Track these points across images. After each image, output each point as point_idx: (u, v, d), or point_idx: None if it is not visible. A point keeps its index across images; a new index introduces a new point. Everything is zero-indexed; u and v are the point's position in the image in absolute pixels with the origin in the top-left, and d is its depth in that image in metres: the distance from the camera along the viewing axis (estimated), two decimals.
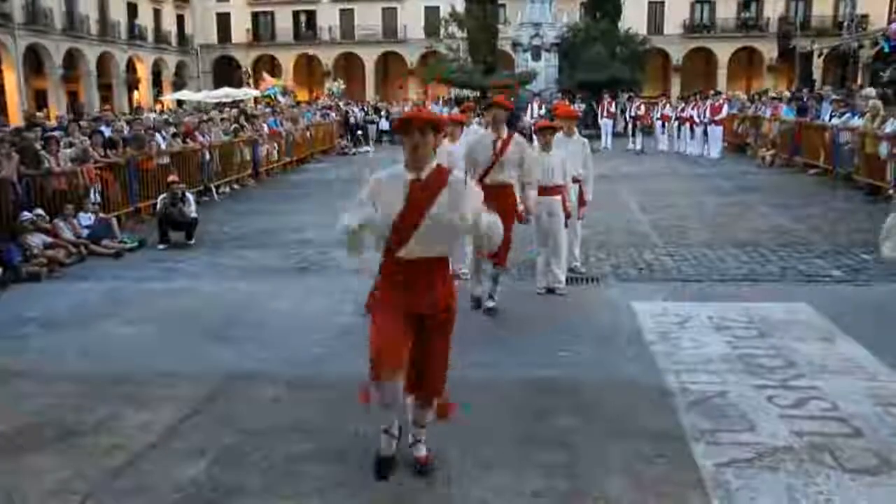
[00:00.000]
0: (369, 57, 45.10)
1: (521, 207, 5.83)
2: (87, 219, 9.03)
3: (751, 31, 42.43)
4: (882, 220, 4.73)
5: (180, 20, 44.45)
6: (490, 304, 5.86)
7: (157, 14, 41.80)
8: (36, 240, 7.95)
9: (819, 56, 31.38)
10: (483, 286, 5.92)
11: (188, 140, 13.11)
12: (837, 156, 13.22)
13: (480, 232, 3.25)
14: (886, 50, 20.75)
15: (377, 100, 30.93)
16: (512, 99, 19.10)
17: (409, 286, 3.19)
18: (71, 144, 10.17)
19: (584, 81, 25.22)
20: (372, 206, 3.14)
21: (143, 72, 40.50)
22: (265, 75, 32.08)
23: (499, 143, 5.62)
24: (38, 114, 17.79)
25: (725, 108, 18.90)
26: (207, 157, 13.35)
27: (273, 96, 27.52)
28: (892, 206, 3.00)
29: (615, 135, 21.58)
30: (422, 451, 3.44)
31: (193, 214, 9.36)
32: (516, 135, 5.86)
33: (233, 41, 45.81)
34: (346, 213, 3.15)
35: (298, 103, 26.98)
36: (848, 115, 13.34)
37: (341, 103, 26.72)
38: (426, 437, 3.47)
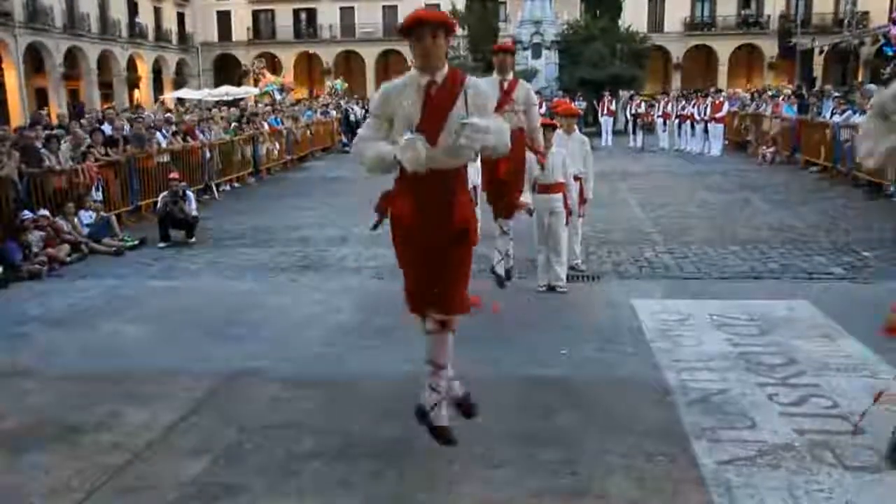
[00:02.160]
0: (370, 55, 45.07)
1: (529, 201, 5.85)
2: (87, 217, 9.03)
3: (751, 28, 42.39)
4: (883, 218, 4.73)
5: (181, 18, 44.43)
6: (500, 269, 5.82)
7: (157, 12, 41.78)
8: (36, 238, 7.95)
9: (820, 53, 31.37)
10: (498, 249, 5.88)
11: (189, 138, 13.11)
12: (838, 153, 13.21)
13: (491, 139, 2.98)
14: (890, 53, 20.70)
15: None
16: None
17: (432, 201, 3.02)
18: (77, 146, 10.15)
19: (584, 79, 25.19)
20: (386, 122, 2.98)
21: (144, 70, 40.49)
22: (265, 72, 32.08)
23: (505, 84, 5.61)
24: (41, 112, 17.80)
25: (726, 106, 18.89)
26: (208, 155, 13.35)
27: (271, 93, 27.54)
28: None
29: (615, 132, 21.57)
30: (458, 391, 3.37)
31: (194, 213, 9.36)
32: (521, 80, 5.84)
33: (233, 39, 45.80)
34: (365, 142, 3.01)
35: (298, 101, 26.96)
36: (849, 112, 13.32)
37: (342, 101, 26.69)
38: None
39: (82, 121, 13.18)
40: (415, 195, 3.04)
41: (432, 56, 2.94)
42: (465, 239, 3.14)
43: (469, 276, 3.27)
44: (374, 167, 3.00)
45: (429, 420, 3.31)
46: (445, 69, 3.00)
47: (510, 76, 5.68)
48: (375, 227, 3.16)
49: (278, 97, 26.97)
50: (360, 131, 3.13)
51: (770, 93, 19.95)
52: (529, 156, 5.78)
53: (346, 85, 33.24)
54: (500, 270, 5.83)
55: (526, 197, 5.86)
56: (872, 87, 15.14)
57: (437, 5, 39.10)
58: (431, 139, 2.92)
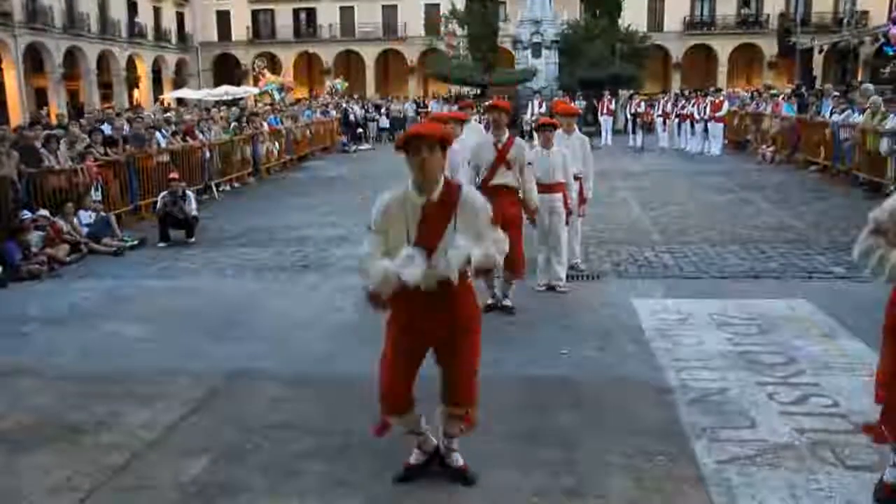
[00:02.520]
0: (369, 55, 45.07)
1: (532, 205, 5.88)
2: (87, 217, 9.03)
3: (751, 27, 42.39)
4: None
5: (180, 18, 44.41)
6: (508, 301, 5.87)
7: (157, 12, 41.76)
8: (36, 238, 7.95)
9: (819, 52, 31.34)
10: (496, 287, 5.91)
11: (188, 138, 13.11)
12: (838, 152, 13.21)
13: (481, 255, 2.99)
14: (890, 53, 20.71)
15: (377, 97, 30.95)
16: (507, 97, 19.12)
17: (429, 313, 3.04)
18: (72, 144, 10.15)
19: (584, 78, 25.21)
20: (386, 235, 3.01)
21: (144, 70, 40.48)
22: (265, 72, 32.10)
23: (500, 145, 5.64)
24: (41, 112, 17.79)
25: (726, 105, 18.89)
26: (208, 155, 13.35)
27: (270, 93, 27.56)
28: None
29: (615, 132, 21.56)
30: (459, 461, 3.33)
31: (194, 212, 9.35)
32: (517, 138, 5.89)
33: (233, 39, 45.78)
34: (371, 260, 3.02)
35: (298, 101, 26.97)
36: (848, 111, 13.32)
37: (342, 101, 26.71)
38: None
39: (82, 120, 13.18)
40: (413, 305, 3.05)
41: (428, 171, 2.93)
42: (465, 339, 3.13)
43: (477, 369, 3.21)
44: (379, 286, 3.03)
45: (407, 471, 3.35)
46: (441, 185, 3.00)
47: (505, 136, 5.67)
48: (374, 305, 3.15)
49: (277, 97, 26.98)
50: (363, 248, 3.11)
51: (772, 91, 19.93)
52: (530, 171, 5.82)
53: (347, 84, 33.26)
54: (509, 302, 5.87)
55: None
56: (870, 86, 15.17)
57: (437, 5, 39.27)
58: (427, 257, 2.95)
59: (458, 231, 2.98)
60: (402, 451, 3.45)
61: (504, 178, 5.64)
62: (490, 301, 5.91)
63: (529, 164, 5.77)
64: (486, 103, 6.09)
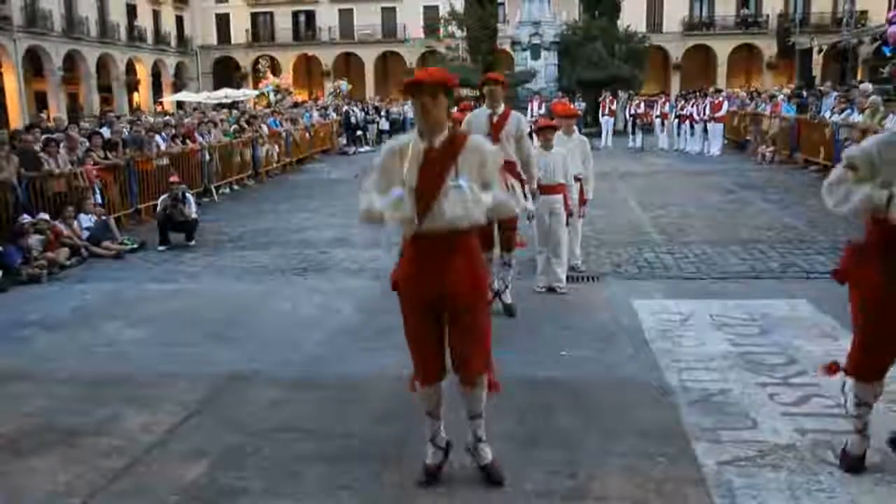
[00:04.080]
0: (369, 57, 45.10)
1: (527, 206, 5.80)
2: (87, 220, 9.03)
3: (750, 28, 42.42)
4: None
5: (179, 21, 44.47)
6: (507, 298, 5.78)
7: (156, 15, 41.82)
8: (36, 242, 7.95)
9: (818, 53, 31.35)
10: (494, 281, 5.78)
11: (188, 141, 13.11)
12: (837, 152, 13.20)
13: (491, 205, 2.95)
14: (888, 54, 20.71)
15: (377, 100, 30.98)
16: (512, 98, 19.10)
17: (431, 266, 2.99)
18: (72, 149, 10.15)
19: (583, 80, 25.21)
20: (387, 178, 2.97)
21: (143, 73, 40.54)
22: (268, 73, 32.20)
23: (495, 118, 5.53)
24: (41, 115, 17.80)
25: (725, 106, 18.89)
26: (207, 157, 13.35)
27: (266, 94, 27.62)
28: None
29: (615, 133, 21.57)
30: (488, 455, 3.27)
31: (194, 215, 9.35)
32: (513, 111, 5.75)
33: (232, 42, 45.83)
34: (364, 194, 3.01)
35: (297, 104, 26.99)
36: (848, 111, 13.33)
37: (344, 104, 26.73)
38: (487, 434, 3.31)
39: (84, 124, 13.18)
40: (416, 259, 3.04)
41: (431, 117, 2.93)
42: (470, 303, 3.08)
43: (489, 338, 3.18)
44: (364, 219, 3.04)
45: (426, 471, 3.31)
46: (445, 132, 2.99)
47: (501, 108, 5.57)
48: (394, 287, 3.17)
49: (273, 98, 27.04)
50: (363, 183, 3.12)
51: (774, 91, 19.93)
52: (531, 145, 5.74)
53: (351, 86, 33.31)
54: (509, 300, 5.80)
55: (528, 204, 5.82)
56: (868, 86, 15.17)
57: (436, 7, 39.30)
58: (427, 205, 2.92)
59: (459, 176, 2.92)
60: (401, 452, 3.45)
61: (501, 151, 5.54)
62: (494, 288, 5.81)
63: (529, 135, 5.67)
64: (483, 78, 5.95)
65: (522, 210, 3.15)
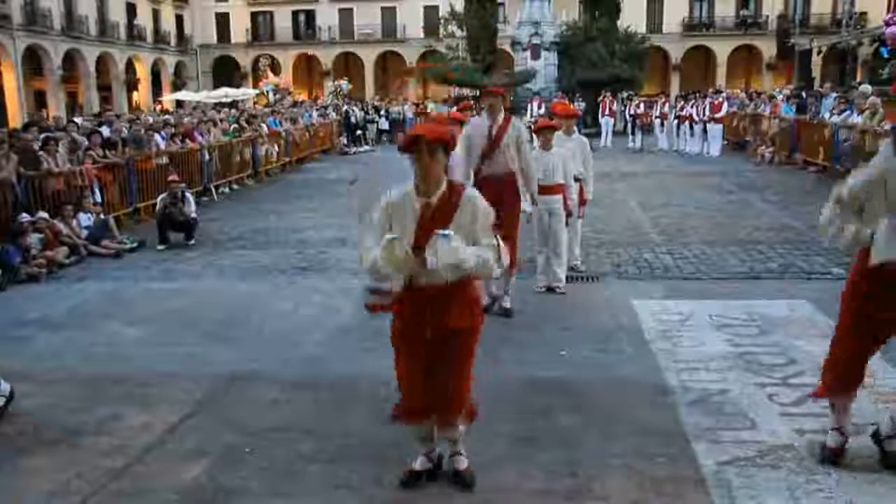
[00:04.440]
0: (368, 57, 45.10)
1: (528, 209, 5.81)
2: (86, 219, 9.02)
3: (749, 29, 42.42)
4: None
5: (179, 20, 44.44)
6: (507, 303, 5.81)
7: (155, 14, 41.79)
8: (35, 241, 7.94)
9: (818, 54, 31.37)
10: (493, 286, 5.82)
11: (187, 140, 13.11)
12: (837, 153, 13.21)
13: (472, 265, 2.96)
14: (885, 55, 20.73)
15: (377, 99, 30.97)
16: (511, 97, 19.12)
17: (428, 309, 3.02)
18: (73, 150, 10.14)
19: (583, 80, 25.21)
20: (386, 230, 2.99)
21: (143, 72, 40.50)
22: (269, 72, 32.18)
23: (495, 129, 5.53)
24: (41, 113, 17.77)
25: (725, 106, 18.91)
26: (207, 157, 13.35)
27: (265, 93, 27.62)
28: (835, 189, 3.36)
29: (615, 133, 21.58)
30: (463, 464, 3.31)
31: (193, 214, 9.35)
32: (513, 118, 5.75)
33: (232, 41, 45.81)
34: (366, 251, 3.01)
35: (295, 103, 26.99)
36: (847, 112, 13.33)
37: (343, 103, 26.73)
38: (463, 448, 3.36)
39: (84, 122, 13.17)
40: (415, 307, 3.05)
41: (430, 173, 2.94)
42: (462, 336, 3.10)
43: (470, 378, 3.19)
44: (372, 273, 3.06)
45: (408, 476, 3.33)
46: (443, 187, 2.99)
47: (501, 117, 5.56)
48: (374, 310, 3.25)
49: (271, 98, 27.04)
50: (363, 239, 3.13)
51: (775, 91, 19.95)
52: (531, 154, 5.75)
53: (352, 86, 33.31)
54: (508, 304, 5.81)
55: (525, 205, 5.83)
56: (867, 87, 15.18)
57: (436, 7, 39.29)
58: (425, 262, 2.93)
59: (455, 231, 2.94)
60: (401, 453, 3.45)
61: (498, 162, 5.53)
62: (485, 301, 5.83)
63: (529, 142, 5.67)
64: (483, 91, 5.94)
65: (501, 271, 3.14)
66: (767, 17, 41.94)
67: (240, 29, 45.66)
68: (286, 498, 3.26)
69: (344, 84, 31.81)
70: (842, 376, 3.37)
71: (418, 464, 3.34)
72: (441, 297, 3.02)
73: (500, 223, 5.41)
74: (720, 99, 19.45)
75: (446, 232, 2.89)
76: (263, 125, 16.86)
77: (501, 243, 3.08)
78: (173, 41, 43.37)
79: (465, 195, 3.03)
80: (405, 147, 2.94)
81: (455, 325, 3.07)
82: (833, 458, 3.35)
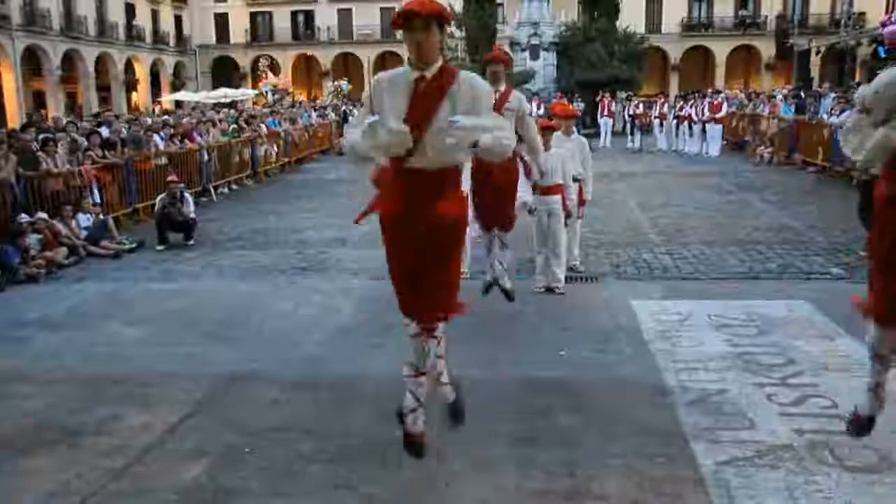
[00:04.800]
0: (367, 57, 45.09)
1: (528, 200, 5.78)
2: (85, 220, 9.02)
3: (748, 29, 42.46)
4: None
5: (178, 21, 44.43)
6: (507, 283, 5.62)
7: (154, 15, 41.78)
8: (34, 241, 7.94)
9: (817, 54, 31.41)
10: (494, 265, 5.67)
11: (186, 140, 13.11)
12: (836, 153, 13.22)
13: (486, 145, 2.81)
14: (882, 55, 20.77)
15: None
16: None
17: (414, 198, 2.90)
18: (73, 151, 10.14)
19: (582, 80, 25.22)
20: (376, 113, 2.90)
21: (142, 72, 40.49)
22: (268, 72, 32.16)
23: (496, 96, 5.44)
24: (40, 113, 17.75)
25: (725, 107, 18.92)
26: (206, 157, 13.35)
27: (264, 94, 27.61)
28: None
29: (614, 134, 21.59)
30: (451, 395, 3.28)
31: (192, 215, 9.35)
32: (514, 90, 5.67)
33: (231, 41, 45.80)
34: (351, 129, 2.97)
35: (296, 102, 27.00)
36: (847, 111, 13.34)
37: (342, 104, 26.73)
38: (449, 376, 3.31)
39: (82, 122, 13.17)
40: (404, 193, 2.96)
41: (424, 49, 2.84)
42: (449, 232, 3.00)
43: (457, 281, 3.14)
44: (350, 154, 3.00)
45: (403, 425, 3.28)
46: (438, 64, 2.89)
47: (502, 87, 5.48)
48: (358, 220, 3.17)
49: (270, 98, 27.03)
50: (350, 119, 3.10)
51: (777, 91, 19.96)
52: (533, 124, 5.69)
53: (352, 86, 33.30)
54: (508, 285, 5.66)
55: (527, 196, 5.81)
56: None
57: None
58: (417, 135, 2.85)
59: (450, 109, 2.83)
60: (401, 452, 3.45)
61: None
62: (487, 279, 5.78)
63: (531, 115, 5.63)
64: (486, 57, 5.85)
65: (508, 148, 2.96)
66: (766, 17, 41.99)
67: (239, 29, 45.65)
68: (286, 498, 3.26)
69: (344, 84, 31.80)
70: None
71: (407, 404, 3.23)
72: (433, 182, 2.91)
73: (500, 190, 5.40)
74: (719, 99, 19.47)
75: (455, 118, 2.76)
76: (262, 125, 16.86)
77: (506, 123, 3.01)
78: (172, 41, 43.36)
79: (461, 74, 2.91)
80: (397, 23, 2.85)
81: (447, 213, 2.94)
82: (864, 427, 3.14)
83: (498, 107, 5.41)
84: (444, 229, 2.98)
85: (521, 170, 5.56)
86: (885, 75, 2.94)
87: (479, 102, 2.89)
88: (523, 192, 5.72)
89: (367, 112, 2.99)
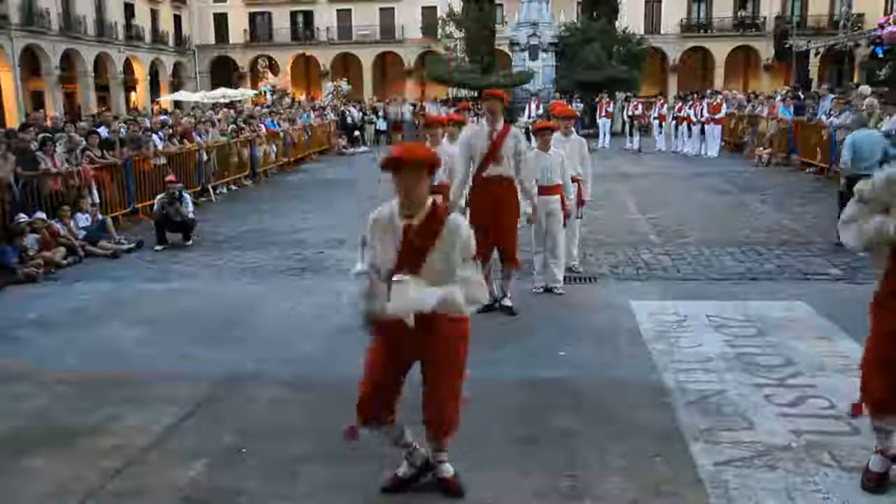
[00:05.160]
0: (367, 57, 45.09)
1: (528, 210, 5.83)
2: (84, 219, 9.01)
3: (747, 30, 42.51)
4: None
5: (177, 20, 44.40)
6: (507, 301, 5.84)
7: (154, 14, 41.75)
8: (32, 241, 7.93)
9: (815, 55, 31.44)
10: (493, 285, 5.84)
11: (185, 140, 13.10)
12: (835, 154, 13.23)
13: (435, 305, 2.85)
14: (879, 54, 20.81)
15: (375, 100, 30.98)
16: (510, 98, 19.12)
17: (409, 328, 2.92)
18: (71, 150, 10.13)
19: (581, 81, 25.24)
20: (376, 248, 2.98)
21: (141, 72, 40.45)
22: (268, 73, 32.18)
23: (495, 135, 5.57)
24: (37, 114, 17.73)
25: (724, 108, 18.94)
26: (205, 157, 13.34)
27: (263, 94, 27.64)
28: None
29: (613, 134, 21.61)
30: (448, 471, 3.24)
31: (191, 215, 9.34)
32: (513, 127, 5.82)
33: (230, 42, 45.77)
34: (358, 262, 3.03)
35: (293, 103, 26.99)
36: (846, 112, 13.35)
37: (341, 104, 26.72)
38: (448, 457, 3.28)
39: (82, 124, 13.16)
40: (397, 325, 2.97)
41: (412, 195, 2.88)
42: (448, 351, 3.05)
43: (459, 393, 3.12)
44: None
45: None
46: (426, 208, 2.92)
47: (500, 124, 5.59)
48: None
49: (269, 98, 27.06)
50: (361, 255, 3.12)
51: (778, 92, 20.00)
52: (529, 161, 5.77)
53: (351, 86, 33.32)
54: (509, 303, 5.86)
55: (526, 207, 5.85)
56: (866, 88, 15.21)
57: (434, 7, 39.32)
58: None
59: (437, 254, 2.88)
60: (399, 454, 3.44)
61: (498, 168, 5.57)
62: (487, 301, 5.86)
63: (527, 154, 5.71)
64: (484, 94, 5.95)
65: (471, 307, 2.99)
66: (765, 18, 42.03)
67: (238, 29, 45.62)
68: (284, 499, 3.26)
69: (344, 84, 31.82)
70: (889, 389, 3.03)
71: (401, 470, 3.30)
72: (423, 325, 2.92)
73: (499, 226, 5.50)
74: (718, 100, 19.48)
75: (402, 278, 2.82)
76: (262, 126, 16.85)
77: (480, 276, 3.00)
78: (171, 41, 43.32)
79: (449, 221, 2.94)
80: (385, 167, 2.89)
81: (438, 343, 3.00)
82: (876, 484, 3.13)
83: (497, 144, 5.50)
84: (439, 351, 3.03)
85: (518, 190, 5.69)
86: (883, 174, 3.04)
87: (454, 249, 2.90)
88: (524, 204, 5.79)
89: (372, 251, 3.03)
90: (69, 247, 8.35)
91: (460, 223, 2.98)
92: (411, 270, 2.87)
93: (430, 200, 2.95)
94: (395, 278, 2.84)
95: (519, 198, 5.73)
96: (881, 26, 18.79)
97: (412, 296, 2.80)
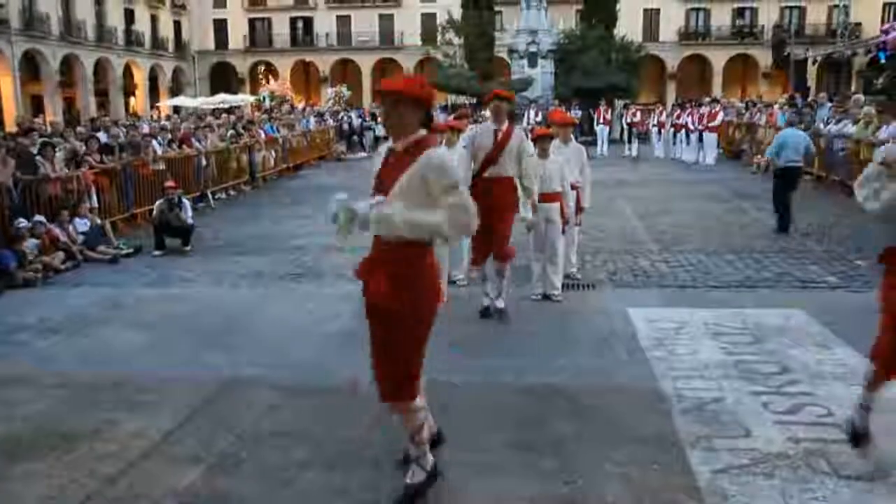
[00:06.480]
0: (366, 63, 45.21)
1: (527, 216, 5.85)
2: (83, 224, 9.02)
3: (745, 38, 42.71)
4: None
5: (177, 26, 44.51)
6: (500, 303, 5.84)
7: (153, 20, 41.85)
8: (31, 246, 7.93)
9: (813, 63, 31.58)
10: (489, 287, 5.89)
11: (184, 146, 13.12)
12: (832, 163, 13.28)
13: (438, 221, 2.85)
14: (882, 60, 20.85)
15: (374, 106, 31.07)
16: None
17: (376, 267, 2.98)
18: (73, 156, 10.14)
19: (580, 88, 25.31)
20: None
21: (140, 78, 40.53)
22: (269, 79, 32.26)
23: (500, 134, 5.60)
24: (36, 120, 17.76)
25: (721, 115, 19.00)
26: (204, 163, 13.36)
27: (261, 100, 27.71)
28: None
29: (611, 141, 21.67)
30: (418, 475, 3.22)
31: (190, 220, 9.35)
32: (517, 127, 5.85)
33: (229, 47, 45.89)
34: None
35: (292, 108, 27.04)
36: (844, 121, 13.41)
37: (342, 110, 26.79)
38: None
39: (80, 128, 13.18)
40: (367, 259, 3.10)
41: (390, 122, 3.03)
42: (391, 317, 2.98)
43: (406, 365, 3.06)
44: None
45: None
46: (413, 137, 2.96)
47: (505, 125, 5.64)
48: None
49: (267, 103, 27.12)
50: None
51: (779, 100, 20.09)
52: (532, 162, 5.80)
53: (351, 92, 33.40)
54: (501, 304, 5.86)
55: (526, 213, 5.87)
56: (862, 96, 15.30)
57: (434, 14, 39.45)
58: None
59: (406, 186, 2.88)
60: (398, 459, 3.45)
61: (500, 167, 5.60)
62: (485, 304, 5.89)
63: (531, 155, 5.74)
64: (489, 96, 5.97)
65: (455, 232, 2.95)
66: (763, 26, 42.24)
67: (237, 35, 45.76)
68: None
69: (345, 90, 31.90)
70: None
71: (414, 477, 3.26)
72: (387, 261, 2.96)
73: (499, 215, 5.50)
74: (716, 108, 19.54)
75: (340, 196, 2.96)
76: (261, 132, 16.88)
77: (466, 200, 2.91)
78: (171, 47, 43.42)
79: (426, 153, 2.89)
80: (378, 95, 3.09)
81: (381, 302, 2.95)
82: (862, 436, 3.40)
83: (501, 144, 5.53)
84: (379, 307, 3.01)
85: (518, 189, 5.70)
86: None
87: (430, 181, 2.86)
88: (523, 209, 5.81)
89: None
90: (68, 251, 8.36)
91: (443, 155, 2.99)
92: (383, 191, 2.96)
93: (420, 133, 2.99)
94: (371, 200, 2.97)
95: (519, 198, 5.74)
96: (885, 32, 18.84)
97: (386, 211, 2.89)
